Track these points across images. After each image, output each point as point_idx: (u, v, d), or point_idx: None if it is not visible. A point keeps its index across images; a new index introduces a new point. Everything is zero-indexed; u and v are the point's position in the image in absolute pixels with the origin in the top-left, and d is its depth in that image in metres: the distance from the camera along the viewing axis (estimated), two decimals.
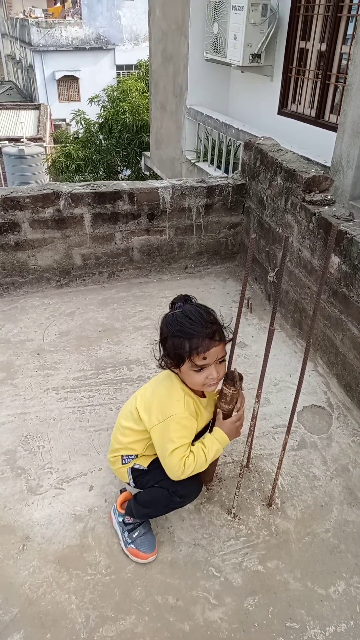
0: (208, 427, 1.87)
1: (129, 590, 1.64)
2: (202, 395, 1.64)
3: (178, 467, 1.52)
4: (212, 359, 1.48)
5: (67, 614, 1.57)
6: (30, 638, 1.51)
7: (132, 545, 1.71)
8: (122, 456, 1.71)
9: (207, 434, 1.64)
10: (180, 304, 1.54)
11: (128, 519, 1.74)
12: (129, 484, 1.75)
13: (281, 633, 1.55)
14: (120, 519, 1.76)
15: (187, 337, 1.45)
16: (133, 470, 1.70)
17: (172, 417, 1.52)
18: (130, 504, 1.73)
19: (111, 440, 1.78)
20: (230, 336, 1.57)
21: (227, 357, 1.61)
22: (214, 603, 1.62)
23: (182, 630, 1.55)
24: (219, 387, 1.63)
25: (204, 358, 1.47)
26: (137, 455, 1.70)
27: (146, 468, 1.68)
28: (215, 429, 1.63)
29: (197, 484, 1.69)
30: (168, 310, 1.57)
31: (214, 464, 1.91)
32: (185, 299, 1.55)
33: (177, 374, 1.57)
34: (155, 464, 1.66)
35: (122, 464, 1.71)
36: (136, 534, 1.72)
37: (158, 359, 1.58)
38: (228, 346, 1.60)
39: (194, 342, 1.44)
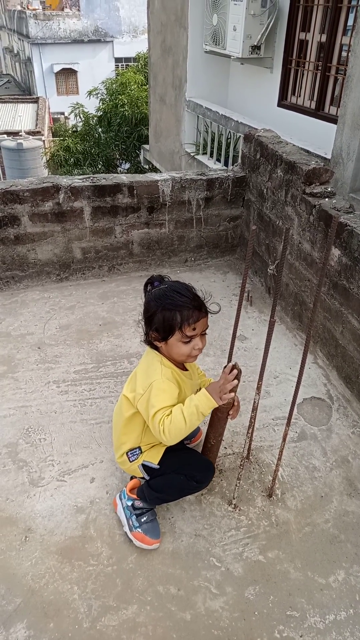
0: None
1: (130, 581, 1.66)
2: (182, 368, 1.70)
3: (158, 428, 1.52)
4: (200, 329, 1.59)
5: (70, 603, 1.59)
6: (34, 627, 1.52)
7: (140, 529, 1.72)
8: (127, 453, 1.73)
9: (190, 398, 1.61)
10: (157, 283, 1.64)
11: (138, 504, 1.75)
12: (143, 478, 1.77)
13: (281, 621, 1.57)
14: (130, 503, 1.76)
15: (178, 309, 1.54)
16: (144, 466, 1.73)
17: (152, 384, 1.57)
18: (143, 488, 1.74)
19: (113, 444, 1.82)
20: (212, 310, 1.67)
21: (229, 355, 1.63)
22: (215, 592, 1.64)
23: (184, 620, 1.57)
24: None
25: (194, 329, 1.57)
26: (140, 448, 1.72)
27: (158, 466, 1.70)
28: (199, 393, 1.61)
29: (211, 468, 1.75)
30: (146, 291, 1.66)
31: (213, 455, 1.92)
32: (161, 279, 1.66)
33: (158, 349, 1.64)
34: (166, 457, 1.70)
35: (130, 461, 1.74)
36: (144, 518, 1.74)
37: (143, 334, 1.66)
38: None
39: (185, 313, 1.54)
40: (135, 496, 1.77)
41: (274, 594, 1.64)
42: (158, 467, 1.70)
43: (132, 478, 1.86)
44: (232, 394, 1.57)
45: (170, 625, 1.55)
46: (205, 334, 1.64)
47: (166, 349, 1.62)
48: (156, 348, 1.66)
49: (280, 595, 1.64)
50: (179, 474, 1.67)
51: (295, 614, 1.59)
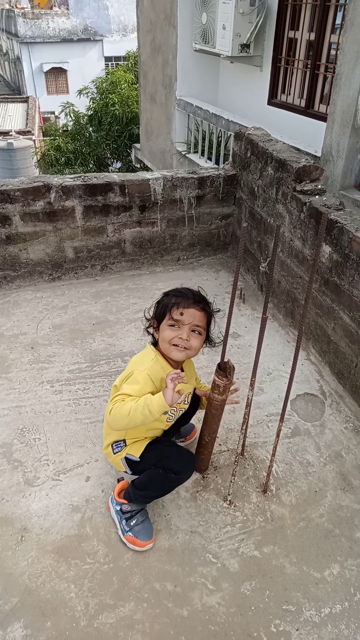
0: (191, 413, 1.94)
1: (127, 578, 1.66)
2: (178, 365, 1.71)
3: (108, 408, 1.57)
4: (188, 318, 1.60)
5: (67, 602, 1.59)
6: (31, 626, 1.53)
7: (130, 533, 1.73)
8: (112, 444, 1.76)
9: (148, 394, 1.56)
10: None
11: (125, 507, 1.76)
12: (126, 472, 1.78)
13: (278, 615, 1.59)
14: (118, 508, 1.78)
15: (175, 294, 1.65)
16: (127, 460, 1.74)
17: (132, 372, 1.61)
18: (129, 489, 1.76)
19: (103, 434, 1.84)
20: (219, 328, 1.72)
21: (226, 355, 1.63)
22: (212, 588, 1.65)
23: (181, 616, 1.57)
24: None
25: (181, 314, 1.60)
26: (125, 441, 1.74)
27: (139, 459, 1.71)
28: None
29: (190, 459, 1.75)
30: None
31: (208, 452, 1.93)
32: None
33: (156, 343, 1.68)
34: (147, 450, 1.70)
35: (114, 453, 1.75)
36: (133, 522, 1.74)
37: (147, 320, 1.72)
38: (214, 330, 1.70)
39: (179, 298, 1.62)
40: (122, 500, 1.78)
41: (270, 588, 1.66)
42: (139, 460, 1.71)
43: (119, 481, 1.87)
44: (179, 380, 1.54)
45: (167, 621, 1.56)
46: (198, 332, 1.64)
47: (159, 335, 1.65)
48: (156, 344, 1.69)
49: (276, 589, 1.66)
50: (158, 467, 1.68)
51: (291, 608, 1.61)
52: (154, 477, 1.68)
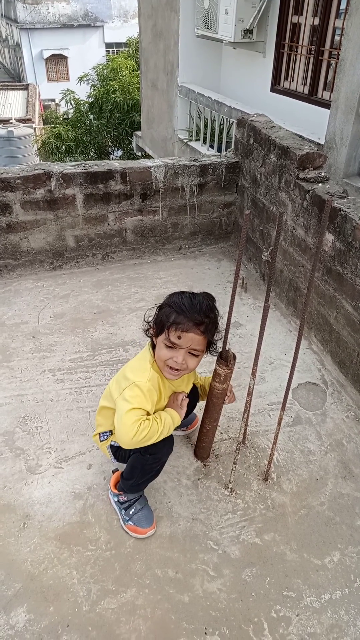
0: (194, 403, 1.96)
1: (129, 565, 1.67)
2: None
3: (132, 428, 1.48)
4: (186, 342, 1.51)
5: (69, 588, 1.61)
6: (34, 611, 1.54)
7: (130, 522, 1.74)
8: (100, 434, 1.78)
9: (161, 411, 1.63)
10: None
11: (122, 498, 1.77)
12: (111, 460, 1.82)
13: (278, 601, 1.60)
14: (116, 499, 1.80)
15: (177, 310, 1.51)
16: (112, 447, 1.77)
17: (134, 383, 1.55)
18: (120, 481, 1.78)
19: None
20: (219, 349, 1.66)
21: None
22: (213, 575, 1.66)
23: (182, 602, 1.59)
24: (181, 373, 1.61)
25: (179, 337, 1.50)
26: (111, 431, 1.75)
27: (118, 444, 1.72)
28: (167, 409, 1.64)
29: (167, 442, 1.67)
30: (163, 291, 1.64)
31: (209, 440, 1.94)
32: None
33: (154, 348, 1.63)
34: None
35: (101, 441, 1.79)
36: (132, 510, 1.75)
37: (147, 322, 1.66)
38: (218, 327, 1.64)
39: (179, 317, 1.50)
40: (117, 491, 1.79)
41: (271, 575, 1.67)
42: (119, 445, 1.71)
43: (114, 472, 1.87)
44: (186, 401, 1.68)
45: (168, 607, 1.57)
46: (196, 355, 1.57)
47: (156, 355, 1.59)
48: (154, 348, 1.63)
49: (277, 576, 1.67)
50: (135, 452, 1.66)
51: (291, 594, 1.62)
52: (135, 464, 1.68)
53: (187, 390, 1.79)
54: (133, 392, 1.53)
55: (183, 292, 1.59)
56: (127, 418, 1.50)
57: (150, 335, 1.65)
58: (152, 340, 1.65)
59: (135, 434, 1.48)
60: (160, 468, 1.73)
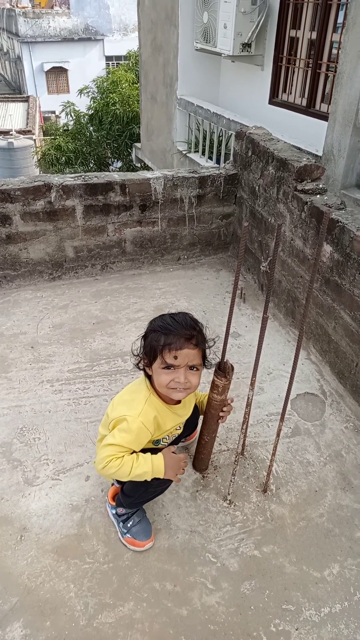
0: (195, 421, 1.93)
1: (126, 578, 1.66)
2: (172, 402, 1.64)
3: (101, 462, 1.50)
4: (183, 360, 1.49)
5: (66, 601, 1.59)
6: (31, 626, 1.52)
7: (128, 535, 1.73)
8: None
9: (148, 454, 1.58)
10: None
11: (120, 510, 1.76)
12: (113, 483, 1.81)
13: (277, 615, 1.58)
14: (113, 511, 1.78)
15: (164, 332, 1.49)
16: None
17: (125, 418, 1.52)
18: (119, 495, 1.75)
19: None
20: (212, 359, 1.62)
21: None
22: (211, 588, 1.64)
23: (180, 615, 1.57)
24: (181, 393, 1.56)
25: (175, 357, 1.48)
26: None
27: None
28: (159, 455, 1.59)
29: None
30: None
31: (208, 451, 1.93)
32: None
33: (150, 377, 1.59)
34: None
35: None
36: (130, 523, 1.74)
37: (136, 355, 1.60)
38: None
39: (170, 337, 1.47)
40: (115, 504, 1.78)
41: (270, 588, 1.65)
42: None
43: (112, 485, 1.86)
44: (183, 473, 1.65)
45: (166, 621, 1.56)
46: (195, 369, 1.54)
47: (154, 378, 1.56)
48: (149, 377, 1.60)
49: (276, 589, 1.65)
50: None
51: (290, 608, 1.61)
52: (137, 484, 1.63)
53: (189, 413, 1.76)
54: (121, 427, 1.53)
55: (162, 315, 1.57)
56: (102, 451, 1.52)
57: (142, 367, 1.61)
58: (145, 372, 1.61)
59: (102, 467, 1.51)
60: (164, 489, 1.73)
